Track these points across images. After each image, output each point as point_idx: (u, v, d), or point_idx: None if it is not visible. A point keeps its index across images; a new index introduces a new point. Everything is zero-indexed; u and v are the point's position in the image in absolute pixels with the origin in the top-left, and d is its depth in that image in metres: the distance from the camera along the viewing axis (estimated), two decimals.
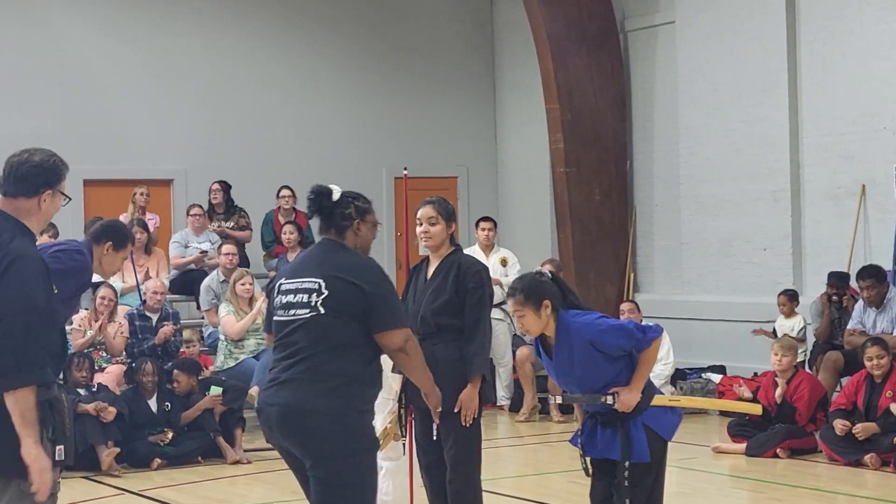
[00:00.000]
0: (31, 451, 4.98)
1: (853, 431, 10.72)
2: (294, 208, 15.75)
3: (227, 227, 15.41)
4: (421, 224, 7.23)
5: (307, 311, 5.63)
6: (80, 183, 15.07)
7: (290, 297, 5.71)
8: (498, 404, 14.43)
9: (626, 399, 6.02)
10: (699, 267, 15.76)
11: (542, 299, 6.06)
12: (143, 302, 12.98)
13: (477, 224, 14.95)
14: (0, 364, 4.96)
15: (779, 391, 11.42)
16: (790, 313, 13.50)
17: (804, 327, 13.35)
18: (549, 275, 6.23)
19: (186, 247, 15.04)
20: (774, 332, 13.38)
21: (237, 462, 11.49)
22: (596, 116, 16.38)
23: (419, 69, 18.07)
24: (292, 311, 5.68)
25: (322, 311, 5.60)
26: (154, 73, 16.38)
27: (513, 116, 18.38)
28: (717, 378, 14.28)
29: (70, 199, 5.38)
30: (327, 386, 5.54)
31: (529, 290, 6.10)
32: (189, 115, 16.63)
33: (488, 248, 14.66)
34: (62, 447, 5.11)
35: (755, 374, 13.84)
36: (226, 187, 15.72)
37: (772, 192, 14.76)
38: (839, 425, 10.76)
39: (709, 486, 10.15)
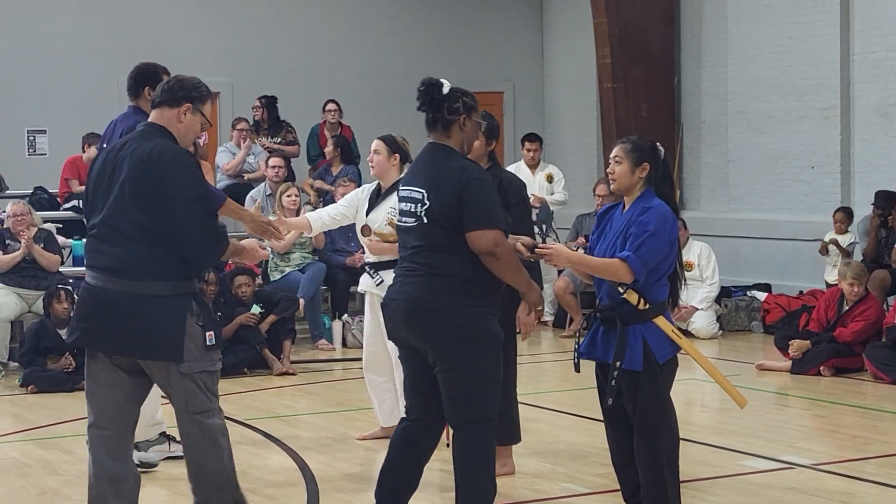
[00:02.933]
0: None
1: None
2: (340, 122, 15.70)
3: (275, 143, 15.40)
4: None
5: (413, 219, 5.84)
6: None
7: (403, 205, 5.93)
8: (542, 320, 14.48)
9: (558, 253, 6.02)
10: (746, 184, 15.65)
11: (645, 161, 6.05)
12: None
13: (522, 143, 14.91)
14: (201, 245, 5.50)
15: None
16: (844, 231, 13.41)
17: (853, 243, 13.30)
18: (663, 153, 6.17)
19: (233, 156, 15.06)
20: (836, 242, 13.27)
21: (284, 373, 11.58)
22: (644, 31, 16.21)
23: None
24: (404, 219, 5.91)
25: (425, 220, 5.77)
26: None
27: (560, 31, 18.22)
28: (762, 296, 14.22)
29: (210, 123, 5.85)
30: (443, 284, 5.74)
31: (639, 146, 6.09)
32: (235, 28, 16.59)
33: (533, 166, 14.64)
34: (212, 333, 5.54)
35: (801, 292, 13.80)
36: (270, 102, 15.64)
37: (821, 110, 14.59)
38: None
39: (752, 403, 10.05)
